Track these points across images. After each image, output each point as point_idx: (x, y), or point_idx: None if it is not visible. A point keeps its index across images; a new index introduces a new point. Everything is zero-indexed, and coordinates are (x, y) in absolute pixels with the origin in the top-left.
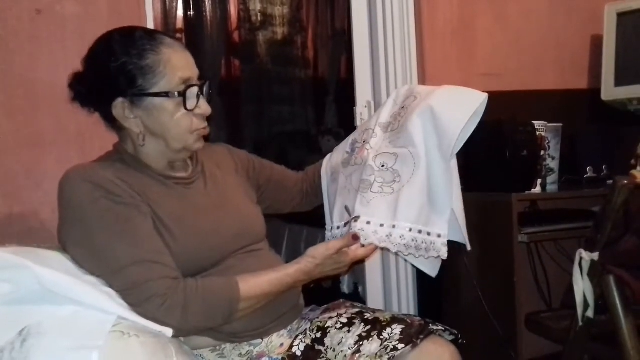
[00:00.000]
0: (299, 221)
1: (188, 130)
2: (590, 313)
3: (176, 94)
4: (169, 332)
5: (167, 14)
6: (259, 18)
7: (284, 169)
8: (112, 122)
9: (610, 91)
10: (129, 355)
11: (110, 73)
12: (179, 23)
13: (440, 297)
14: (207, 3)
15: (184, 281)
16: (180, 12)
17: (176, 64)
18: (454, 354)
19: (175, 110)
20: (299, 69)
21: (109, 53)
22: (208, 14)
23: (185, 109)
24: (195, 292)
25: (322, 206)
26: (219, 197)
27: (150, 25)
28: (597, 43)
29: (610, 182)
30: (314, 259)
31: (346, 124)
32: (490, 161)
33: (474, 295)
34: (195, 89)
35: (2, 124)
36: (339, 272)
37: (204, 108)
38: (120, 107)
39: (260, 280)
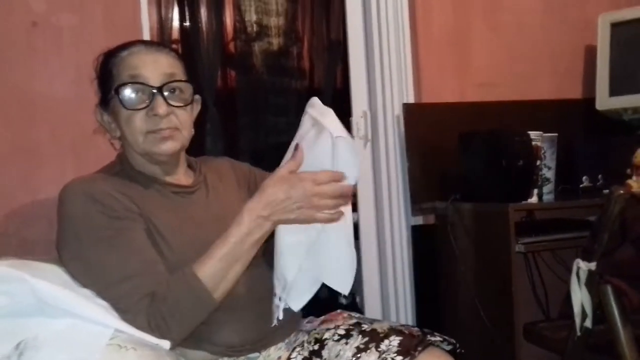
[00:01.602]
0: None
1: (139, 131)
2: (588, 323)
3: (112, 91)
4: (166, 344)
5: (162, 24)
6: (255, 29)
7: None
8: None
9: (604, 101)
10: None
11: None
12: (175, 34)
13: (438, 306)
14: (203, 14)
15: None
16: (176, 23)
17: (129, 64)
18: None
19: (124, 112)
20: (295, 80)
21: (96, 72)
22: (204, 24)
23: (124, 107)
24: (164, 302)
25: None
26: (219, 209)
27: (146, 36)
28: (591, 53)
29: (606, 191)
30: (259, 192)
31: None
32: (486, 171)
33: (472, 305)
34: (143, 87)
35: None
36: (310, 208)
37: (155, 108)
38: (97, 113)
39: (211, 251)
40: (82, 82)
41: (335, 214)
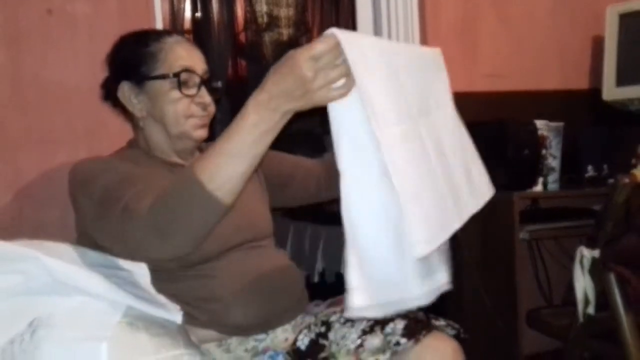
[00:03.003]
0: (303, 218)
1: (184, 114)
2: (591, 310)
3: (171, 75)
4: (178, 317)
5: (175, 15)
6: (265, 19)
7: (299, 159)
8: (124, 110)
9: (611, 91)
10: (137, 347)
11: (118, 61)
12: (187, 24)
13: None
14: (214, 5)
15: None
16: (187, 14)
17: (178, 53)
18: (456, 349)
19: (173, 94)
20: None
21: (120, 45)
22: (215, 15)
23: (180, 91)
24: (165, 201)
25: (327, 202)
26: None
27: (159, 25)
28: (598, 44)
29: (610, 181)
30: (261, 85)
31: None
32: (492, 160)
33: (476, 292)
34: (194, 77)
35: (13, 122)
36: (318, 90)
37: (204, 97)
38: (124, 90)
39: (213, 147)
40: (96, 70)
41: (344, 86)
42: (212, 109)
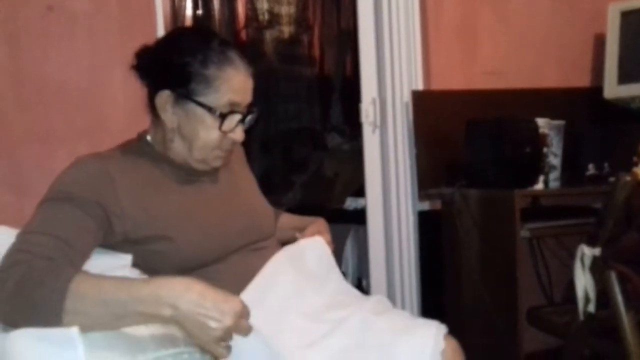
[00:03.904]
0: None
1: (215, 146)
2: (591, 308)
3: (218, 113)
4: (128, 259)
5: (176, 12)
6: (266, 17)
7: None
8: (152, 106)
9: (612, 89)
10: (137, 345)
11: (169, 65)
12: (188, 21)
13: (443, 290)
14: (215, 2)
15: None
16: (189, 11)
17: (232, 86)
18: (455, 348)
19: (211, 125)
20: (305, 67)
21: (178, 47)
22: (216, 12)
23: (220, 129)
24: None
25: (332, 201)
26: (231, 189)
27: (160, 23)
28: (600, 42)
29: (612, 179)
30: (193, 286)
31: (350, 121)
32: (493, 158)
33: (476, 290)
34: (237, 116)
35: (14, 120)
36: (218, 341)
37: (238, 135)
38: (164, 98)
39: (105, 283)
40: (96, 67)
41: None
42: (238, 143)
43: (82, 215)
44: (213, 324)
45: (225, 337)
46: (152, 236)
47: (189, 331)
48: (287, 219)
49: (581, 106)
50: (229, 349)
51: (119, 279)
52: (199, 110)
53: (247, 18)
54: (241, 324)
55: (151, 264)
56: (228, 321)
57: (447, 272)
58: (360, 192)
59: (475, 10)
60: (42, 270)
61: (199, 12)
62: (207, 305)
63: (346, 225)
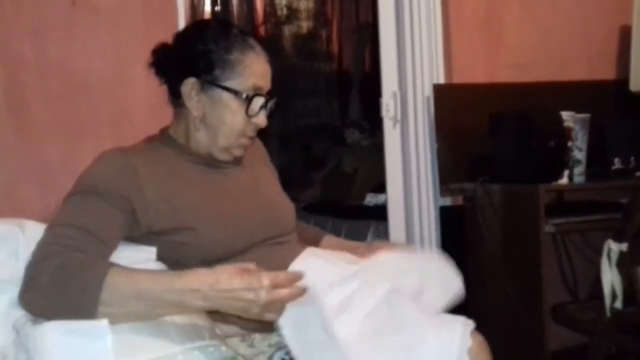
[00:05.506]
0: (325, 212)
1: (239, 132)
2: (618, 304)
3: (244, 95)
4: (153, 252)
5: (195, 7)
6: (285, 12)
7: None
8: (176, 98)
9: (639, 82)
10: (164, 337)
11: (193, 53)
12: (206, 17)
13: (465, 286)
14: None
15: (73, 254)
16: (207, 7)
17: (255, 70)
18: (481, 343)
19: (237, 110)
20: (324, 63)
21: (200, 36)
22: (235, 8)
23: (246, 113)
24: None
25: (348, 197)
26: (252, 183)
27: (182, 18)
28: (625, 33)
29: (638, 173)
30: (217, 271)
31: (369, 116)
32: (517, 152)
33: (500, 286)
34: (261, 100)
35: (39, 113)
36: (258, 312)
37: (262, 120)
38: (189, 86)
39: (139, 276)
40: (119, 61)
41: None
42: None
43: (109, 208)
44: (249, 305)
45: (267, 309)
46: (175, 227)
47: (232, 313)
48: (335, 242)
49: (606, 99)
50: (278, 312)
51: (151, 271)
52: (225, 95)
53: (266, 14)
54: (276, 294)
55: (175, 256)
56: (262, 296)
57: (469, 268)
58: (380, 188)
59: (498, 3)
60: (77, 262)
61: (218, 8)
62: (237, 291)
63: (366, 221)
